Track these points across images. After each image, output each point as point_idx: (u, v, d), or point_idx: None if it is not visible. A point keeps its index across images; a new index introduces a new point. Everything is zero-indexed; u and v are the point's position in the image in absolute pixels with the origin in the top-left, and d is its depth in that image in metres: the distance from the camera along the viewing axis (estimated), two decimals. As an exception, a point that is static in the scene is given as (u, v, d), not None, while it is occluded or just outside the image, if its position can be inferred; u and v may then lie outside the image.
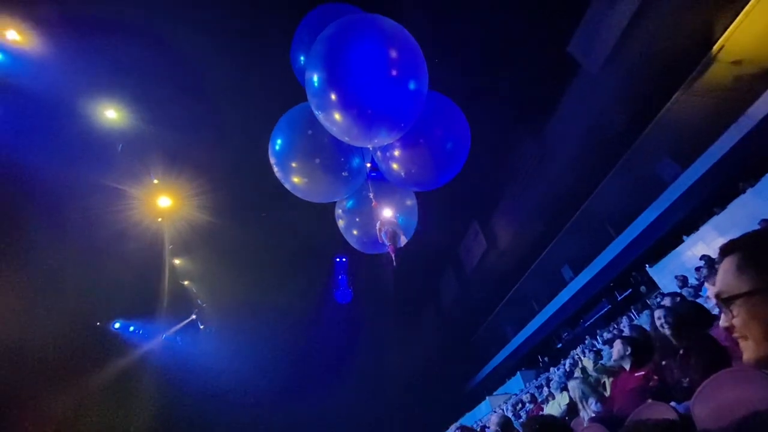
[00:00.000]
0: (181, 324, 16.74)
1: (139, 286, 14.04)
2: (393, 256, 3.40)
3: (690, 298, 5.18)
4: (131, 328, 15.45)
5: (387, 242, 3.39)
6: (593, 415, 3.11)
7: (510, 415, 7.95)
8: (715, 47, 10.38)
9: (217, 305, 16.99)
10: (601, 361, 5.60)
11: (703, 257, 6.90)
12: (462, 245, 21.34)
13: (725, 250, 0.74)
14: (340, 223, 3.98)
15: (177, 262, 14.77)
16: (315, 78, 2.55)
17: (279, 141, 3.33)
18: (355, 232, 3.87)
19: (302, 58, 3.47)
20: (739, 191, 9.28)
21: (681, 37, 10.68)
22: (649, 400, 1.99)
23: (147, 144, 11.13)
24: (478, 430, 7.33)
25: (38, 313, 11.33)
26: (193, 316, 17.04)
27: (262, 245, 14.90)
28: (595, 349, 8.72)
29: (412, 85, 2.61)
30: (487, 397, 17.67)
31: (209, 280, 15.93)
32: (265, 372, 18.66)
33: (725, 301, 0.73)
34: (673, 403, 1.79)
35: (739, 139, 10.48)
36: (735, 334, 0.72)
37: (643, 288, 14.31)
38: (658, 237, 13.33)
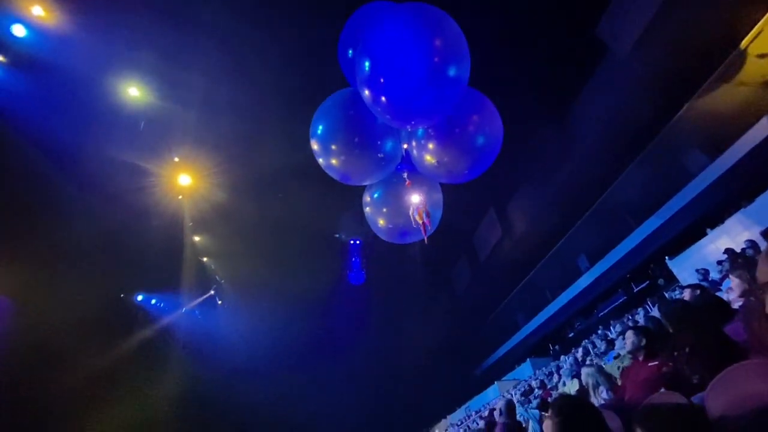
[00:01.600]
0: (201, 299, 17.36)
1: (160, 261, 14.56)
2: (425, 231, 3.57)
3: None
4: (153, 301, 16.12)
5: (420, 220, 3.53)
6: (603, 402, 3.14)
7: (517, 400, 8.07)
8: (747, 38, 9.85)
9: (234, 282, 17.52)
10: (611, 353, 5.58)
11: (727, 251, 6.70)
12: (477, 231, 21.23)
13: (764, 235, 0.75)
14: (367, 210, 4.12)
15: (196, 239, 15.20)
16: (365, 63, 2.83)
17: (321, 122, 3.50)
18: (381, 222, 4.01)
19: (350, 51, 3.67)
20: (769, 185, 8.89)
21: (712, 25, 10.14)
22: (662, 390, 2.00)
23: (168, 122, 11.32)
24: (486, 412, 7.47)
25: (67, 284, 11.93)
26: (212, 292, 17.64)
27: (279, 225, 15.15)
28: (608, 338, 8.68)
29: (452, 72, 2.79)
30: (495, 382, 17.89)
31: (227, 257, 16.39)
32: (279, 349, 19.22)
33: (762, 287, 0.74)
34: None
35: (771, 131, 10.00)
36: None
37: (661, 281, 14.02)
38: (680, 229, 12.95)
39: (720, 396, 1.51)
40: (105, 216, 12.26)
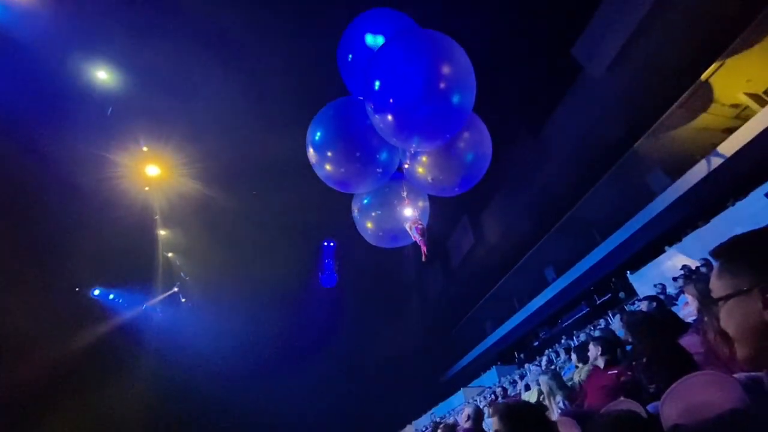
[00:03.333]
0: (163, 296, 16.62)
1: (121, 255, 13.85)
2: (425, 249, 3.66)
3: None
4: (111, 296, 15.31)
5: (419, 237, 3.62)
6: (561, 410, 3.20)
7: (483, 406, 8.14)
8: (714, 65, 10.53)
9: (200, 280, 16.86)
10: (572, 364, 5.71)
11: (683, 267, 7.07)
12: (451, 238, 21.49)
13: (713, 255, 0.76)
14: (356, 213, 4.14)
15: (162, 233, 14.55)
16: (375, 83, 2.94)
17: (321, 131, 3.52)
18: (369, 225, 4.05)
19: (350, 56, 3.79)
20: (725, 206, 9.48)
21: (683, 51, 10.80)
22: (621, 398, 2.04)
23: (137, 109, 10.80)
24: (452, 420, 7.49)
25: (20, 275, 11.19)
26: (175, 289, 16.91)
27: (251, 222, 14.75)
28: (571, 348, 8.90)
29: (456, 99, 2.91)
30: (461, 389, 18.04)
31: (194, 253, 15.76)
32: (244, 349, 18.69)
33: (714, 302, 0.76)
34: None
35: (728, 156, 10.70)
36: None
37: (622, 294, 14.64)
38: (641, 245, 13.59)
39: (674, 405, 1.55)
40: (63, 205, 11.59)
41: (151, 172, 12.04)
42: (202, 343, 17.65)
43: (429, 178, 3.65)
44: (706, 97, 11.16)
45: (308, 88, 11.64)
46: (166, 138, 11.39)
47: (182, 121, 11.26)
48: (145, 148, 11.63)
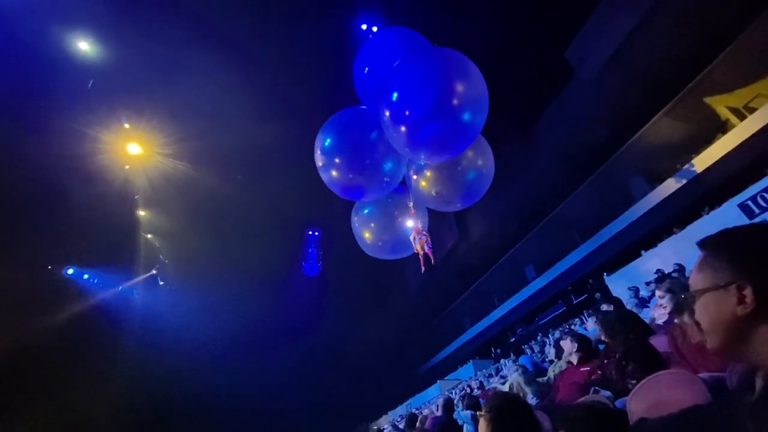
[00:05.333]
0: (140, 278, 16.25)
1: (98, 234, 13.43)
2: (431, 259, 3.74)
3: (635, 309, 5.54)
4: (85, 276, 14.89)
5: (421, 250, 3.69)
6: (534, 404, 3.29)
7: (457, 399, 8.31)
8: (699, 77, 10.81)
9: (180, 263, 16.49)
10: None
11: (657, 271, 7.30)
12: (435, 233, 21.58)
13: (700, 245, 0.77)
14: (356, 221, 4.19)
15: (142, 213, 14.16)
16: (392, 95, 3.04)
17: (334, 138, 3.55)
18: (368, 235, 4.11)
19: (367, 68, 3.90)
20: (700, 215, 9.81)
21: (671, 61, 11.04)
22: (592, 393, 2.11)
23: (121, 85, 10.41)
24: (426, 410, 7.61)
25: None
26: (154, 272, 16.54)
27: (235, 208, 14.48)
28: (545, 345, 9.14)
29: (466, 117, 3.00)
30: (438, 381, 18.36)
31: (174, 236, 15.37)
32: (224, 335, 18.44)
33: (687, 300, 0.78)
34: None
35: (706, 167, 11.07)
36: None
37: (597, 295, 15.03)
38: (619, 248, 13.98)
39: (641, 400, 1.61)
40: (38, 179, 11.14)
41: (132, 150, 11.65)
42: (180, 328, 17.31)
43: (433, 192, 3.75)
44: (689, 107, 11.46)
45: (300, 75, 11.49)
46: (149, 116, 11.01)
47: (167, 99, 10.90)
48: (126, 125, 11.24)
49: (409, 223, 3.86)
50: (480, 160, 3.79)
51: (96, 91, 10.29)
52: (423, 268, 3.76)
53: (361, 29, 10.69)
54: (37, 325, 12.87)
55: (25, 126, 10.18)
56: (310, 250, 18.54)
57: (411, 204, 3.87)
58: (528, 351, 9.92)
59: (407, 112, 2.95)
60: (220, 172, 13.11)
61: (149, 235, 15.16)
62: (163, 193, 13.26)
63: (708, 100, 11.26)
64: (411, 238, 3.78)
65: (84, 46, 9.59)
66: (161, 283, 17.04)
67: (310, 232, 18.44)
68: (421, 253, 3.71)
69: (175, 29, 9.68)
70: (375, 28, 10.70)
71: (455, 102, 2.91)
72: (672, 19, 10.37)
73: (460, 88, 2.95)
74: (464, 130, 3.06)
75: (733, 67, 10.30)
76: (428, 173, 3.74)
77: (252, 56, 10.82)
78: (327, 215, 13.85)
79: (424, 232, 3.78)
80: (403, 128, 2.99)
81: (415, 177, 3.84)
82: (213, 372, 18.46)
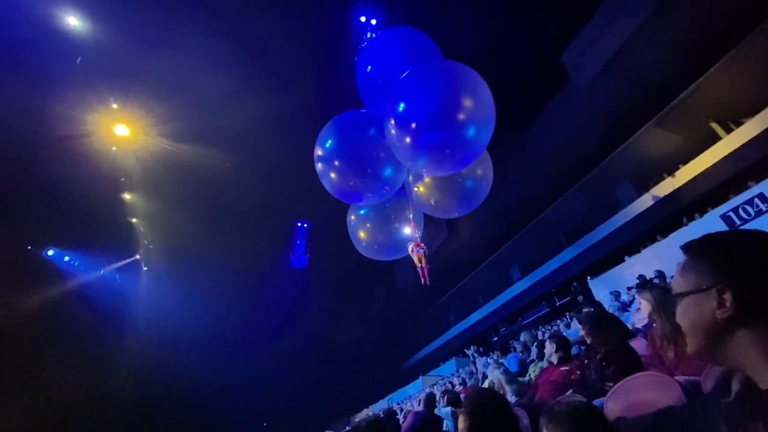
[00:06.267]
0: (123, 262, 15.94)
1: (81, 216, 13.09)
2: (426, 273, 3.76)
3: (616, 312, 5.66)
4: (66, 258, 14.55)
5: (419, 263, 3.71)
6: (513, 402, 3.33)
7: (438, 395, 8.39)
8: (690, 88, 11.02)
9: (165, 249, 16.20)
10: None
11: (639, 277, 7.45)
12: (423, 231, 21.66)
13: (684, 249, 0.78)
14: (351, 221, 4.18)
15: (127, 196, 13.85)
16: (399, 105, 3.04)
17: (335, 142, 3.51)
18: (363, 235, 4.11)
19: (370, 66, 3.87)
20: (684, 223, 10.03)
21: (664, 71, 11.22)
22: (570, 392, 2.15)
23: (110, 63, 10.10)
24: (407, 405, 7.68)
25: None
26: (137, 256, 16.24)
27: (224, 194, 14.27)
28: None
29: (472, 133, 3.00)
30: (420, 377, 18.51)
31: (160, 221, 15.06)
32: (205, 325, 18.27)
33: (668, 302, 0.78)
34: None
35: (691, 177, 11.31)
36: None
37: (580, 298, 15.25)
38: (603, 253, 14.22)
39: (618, 401, 1.64)
40: (21, 158, 10.81)
41: (120, 131, 11.37)
42: (162, 316, 17.07)
43: (432, 201, 3.81)
44: (679, 119, 11.68)
45: (294, 56, 11.31)
46: (140, 97, 10.74)
47: (159, 80, 10.64)
48: (114, 106, 10.95)
49: (408, 231, 3.88)
50: (480, 169, 3.81)
51: (82, 70, 9.98)
52: (423, 280, 3.78)
53: (356, 14, 10.61)
54: (12, 306, 12.51)
55: (6, 106, 9.84)
56: (298, 242, 18.44)
57: (411, 216, 3.87)
58: (511, 349, 10.04)
59: (413, 125, 2.94)
60: (208, 158, 12.87)
61: (134, 219, 14.86)
62: (150, 177, 12.99)
63: (697, 111, 11.49)
64: (410, 249, 3.79)
65: (72, 21, 9.27)
66: (144, 268, 16.75)
67: (299, 224, 18.33)
68: (419, 266, 3.72)
69: (164, 4, 9.41)
70: (374, 21, 10.62)
71: (462, 117, 2.92)
72: (667, 31, 10.53)
73: (468, 103, 2.95)
74: (469, 146, 3.07)
75: (724, 81, 10.52)
76: (428, 180, 3.78)
77: (243, 37, 10.61)
78: (317, 207, 13.74)
79: (423, 246, 3.77)
80: (407, 139, 2.99)
81: (414, 185, 3.86)
82: (194, 361, 18.25)
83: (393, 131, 3.06)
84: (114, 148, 11.98)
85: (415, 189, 3.87)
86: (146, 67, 10.30)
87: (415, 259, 3.74)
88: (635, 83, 11.78)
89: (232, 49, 10.59)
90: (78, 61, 9.66)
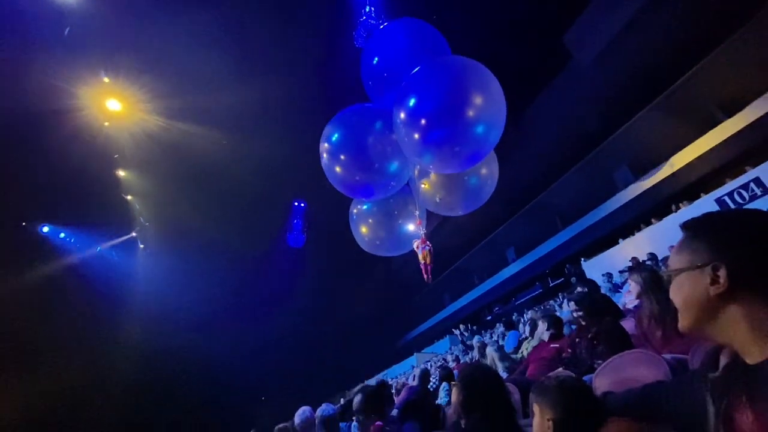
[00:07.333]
0: (119, 239, 15.91)
1: (76, 192, 12.92)
2: (429, 271, 3.84)
3: (608, 293, 5.77)
4: (62, 235, 14.48)
5: (424, 260, 3.76)
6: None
7: (433, 370, 8.65)
8: (691, 72, 10.88)
9: (161, 226, 16.13)
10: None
11: (632, 259, 7.56)
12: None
13: (683, 227, 0.79)
14: (354, 214, 4.19)
15: (122, 173, 13.68)
16: (410, 101, 3.00)
17: (342, 137, 3.46)
18: (365, 230, 4.13)
19: (376, 58, 3.82)
20: (679, 207, 10.10)
21: (666, 54, 11.02)
22: (560, 369, 2.21)
23: (101, 35, 9.75)
24: (403, 380, 7.90)
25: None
26: (134, 234, 16.19)
27: (221, 171, 14.11)
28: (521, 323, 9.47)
29: (481, 131, 2.98)
30: (415, 353, 18.97)
31: (156, 198, 14.92)
32: (202, 302, 18.36)
33: (659, 284, 0.79)
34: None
35: (689, 161, 11.31)
36: None
37: (573, 279, 15.52)
38: (598, 236, 14.36)
39: (607, 377, 1.70)
40: (13, 133, 10.57)
41: (112, 106, 11.11)
42: (159, 293, 17.13)
43: (437, 198, 3.81)
44: (679, 102, 11.55)
45: (292, 36, 11.02)
46: (133, 70, 10.42)
47: (153, 53, 10.31)
48: (106, 79, 10.65)
49: (411, 227, 3.90)
50: (485, 168, 3.83)
51: (72, 41, 9.63)
52: (425, 277, 3.88)
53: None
54: (5, 283, 12.48)
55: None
56: (295, 221, 18.43)
57: (417, 213, 3.88)
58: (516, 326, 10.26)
59: (423, 120, 2.92)
60: (204, 134, 12.66)
61: (129, 196, 14.73)
62: (144, 153, 12.78)
63: (699, 94, 11.36)
64: (415, 246, 3.83)
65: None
66: (141, 246, 16.74)
67: (296, 203, 18.27)
68: (423, 263, 3.77)
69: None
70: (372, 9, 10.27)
71: (472, 114, 2.89)
72: (670, 13, 10.29)
73: (479, 101, 2.92)
74: (478, 143, 3.05)
75: (725, 65, 10.37)
76: (433, 178, 3.79)
77: (240, 16, 10.29)
78: (313, 186, 13.67)
79: (428, 243, 3.80)
80: (416, 135, 2.98)
81: (419, 181, 3.85)
82: (191, 337, 18.46)
83: (402, 126, 3.04)
84: (106, 124, 11.73)
85: (418, 184, 3.85)
86: (138, 41, 9.98)
87: (420, 257, 3.79)
88: (637, 64, 11.59)
89: (229, 27, 10.27)
90: (66, 32, 9.31)
